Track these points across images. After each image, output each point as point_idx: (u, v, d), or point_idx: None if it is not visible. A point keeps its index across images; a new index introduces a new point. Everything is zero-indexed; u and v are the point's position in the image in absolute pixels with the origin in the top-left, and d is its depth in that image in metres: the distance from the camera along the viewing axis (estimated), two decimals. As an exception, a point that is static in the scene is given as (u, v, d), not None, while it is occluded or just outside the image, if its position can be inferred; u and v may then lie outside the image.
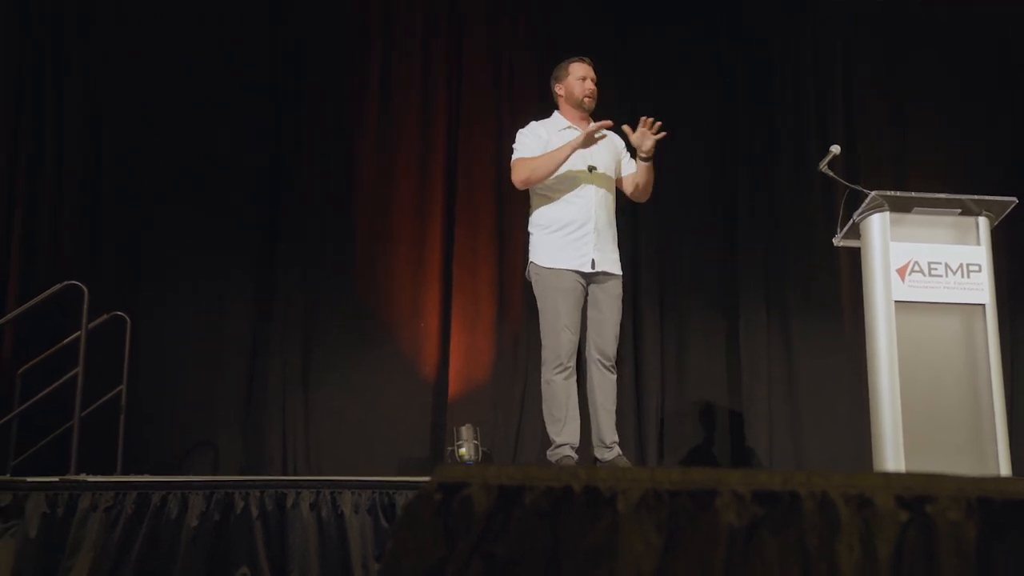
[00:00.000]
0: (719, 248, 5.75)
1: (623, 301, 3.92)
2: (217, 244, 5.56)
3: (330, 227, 5.71)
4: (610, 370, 3.83)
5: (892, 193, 3.48)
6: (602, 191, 3.83)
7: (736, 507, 1.32)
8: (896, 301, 3.37)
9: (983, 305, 3.41)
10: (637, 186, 3.94)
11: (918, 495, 1.25)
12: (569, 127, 3.91)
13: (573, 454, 3.78)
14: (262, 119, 5.72)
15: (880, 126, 5.86)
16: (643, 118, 3.77)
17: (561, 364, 3.74)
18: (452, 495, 1.35)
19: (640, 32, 5.95)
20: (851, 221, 3.62)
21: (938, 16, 5.90)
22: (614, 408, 3.85)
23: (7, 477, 3.55)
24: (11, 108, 5.39)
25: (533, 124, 3.97)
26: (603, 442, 3.81)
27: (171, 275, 5.49)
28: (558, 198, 3.81)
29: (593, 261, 3.77)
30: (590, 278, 3.81)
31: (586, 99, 3.90)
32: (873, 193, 3.46)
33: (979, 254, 3.46)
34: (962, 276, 3.41)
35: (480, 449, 4.98)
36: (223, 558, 3.14)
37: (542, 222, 3.85)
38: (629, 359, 5.58)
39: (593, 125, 3.72)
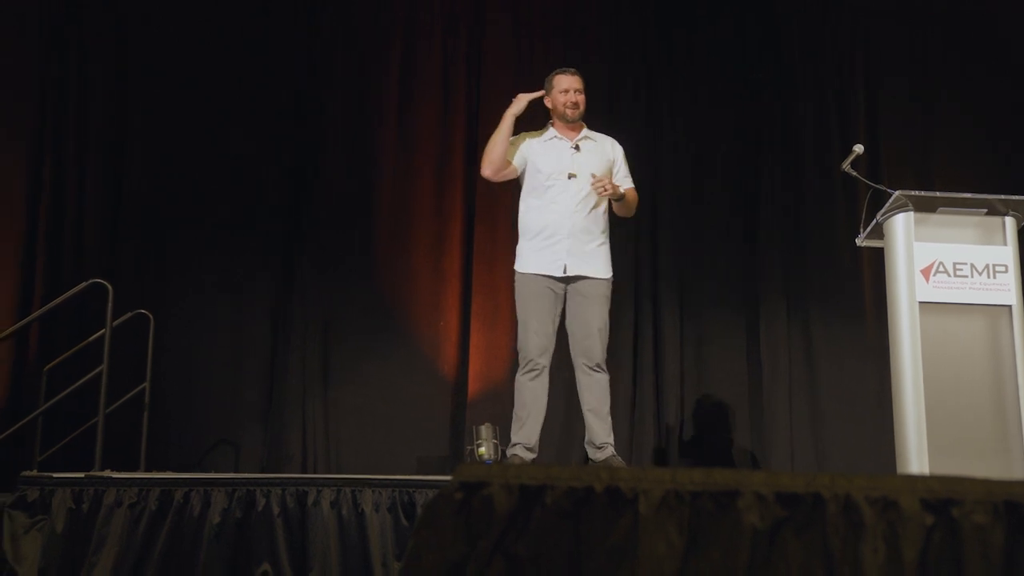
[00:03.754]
0: (739, 248, 5.72)
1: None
2: (238, 243, 5.61)
3: (350, 226, 5.74)
4: (595, 371, 3.85)
5: (917, 193, 3.45)
6: (581, 196, 3.87)
7: (759, 508, 1.31)
8: (920, 302, 3.33)
9: (1010, 306, 3.37)
10: (616, 212, 4.05)
11: (943, 498, 1.24)
12: (555, 137, 4.00)
13: (524, 453, 3.85)
14: (283, 120, 5.76)
15: (904, 125, 5.79)
16: (591, 182, 3.85)
17: (529, 365, 3.84)
18: (473, 494, 1.35)
19: (665, 27, 5.93)
20: (874, 221, 3.59)
21: (963, 13, 5.84)
22: (604, 409, 3.85)
23: (34, 473, 3.58)
24: (36, 108, 5.45)
25: (523, 135, 4.06)
26: (594, 443, 3.86)
27: (193, 273, 5.54)
28: (538, 205, 3.92)
29: (565, 266, 3.83)
30: (567, 283, 3.87)
31: (568, 110, 3.97)
32: (897, 193, 3.42)
33: (1006, 254, 3.41)
34: (988, 277, 3.37)
35: (499, 448, 4.98)
36: (245, 554, 3.16)
37: (522, 229, 3.99)
38: (648, 360, 5.57)
39: (521, 95, 3.93)
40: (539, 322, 3.82)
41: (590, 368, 3.84)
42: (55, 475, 3.36)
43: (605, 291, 3.90)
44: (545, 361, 3.84)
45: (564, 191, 3.87)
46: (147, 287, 5.32)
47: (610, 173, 3.99)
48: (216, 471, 4.93)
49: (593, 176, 3.85)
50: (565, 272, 3.84)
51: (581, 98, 3.99)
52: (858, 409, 5.37)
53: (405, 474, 3.52)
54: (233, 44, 5.76)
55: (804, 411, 5.47)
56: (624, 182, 4.03)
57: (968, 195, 3.47)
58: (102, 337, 4.11)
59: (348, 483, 3.26)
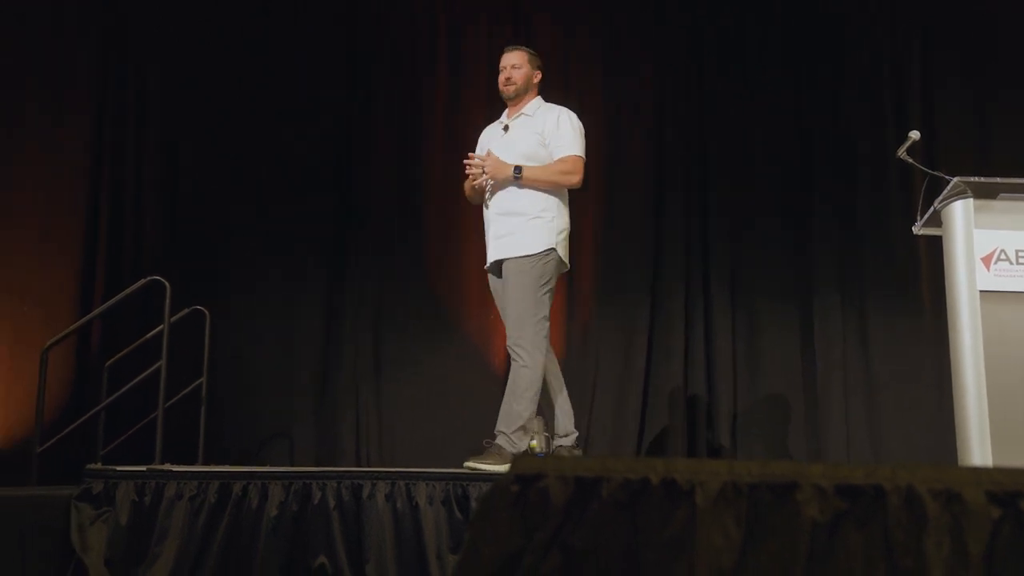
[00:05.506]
0: (792, 237, 5.64)
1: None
2: (290, 239, 5.69)
3: (400, 220, 5.79)
4: (513, 356, 3.67)
5: (976, 179, 3.36)
6: (496, 181, 3.75)
7: (818, 501, 1.30)
8: (981, 291, 3.25)
9: (1074, 294, 3.28)
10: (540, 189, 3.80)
11: (1010, 491, 1.21)
12: (499, 121, 3.97)
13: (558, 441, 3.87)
14: (333, 115, 5.84)
15: (961, 110, 5.65)
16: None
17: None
18: (529, 486, 1.36)
19: (711, 14, 5.86)
20: (931, 209, 3.51)
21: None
22: (510, 397, 3.67)
23: (99, 466, 3.68)
24: (95, 111, 5.58)
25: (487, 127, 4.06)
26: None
27: (246, 270, 5.65)
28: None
29: (489, 255, 3.80)
30: (498, 271, 3.80)
31: (501, 88, 3.90)
32: (955, 179, 3.34)
33: (1069, 241, 3.32)
34: (1052, 264, 3.28)
35: (550, 440, 4.98)
36: (302, 547, 3.21)
37: None
38: (700, 351, 5.53)
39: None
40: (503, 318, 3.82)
41: (511, 351, 3.69)
42: (118, 468, 3.44)
43: (519, 266, 3.66)
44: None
45: (478, 175, 3.79)
46: (203, 284, 5.42)
47: (540, 147, 3.76)
48: (271, 464, 5.01)
49: (480, 158, 3.75)
50: (487, 264, 3.81)
51: (516, 73, 3.85)
52: (916, 402, 5.26)
53: (456, 466, 3.53)
54: (283, 45, 5.86)
55: (860, 404, 5.38)
56: (558, 150, 3.75)
57: (1031, 180, 3.37)
58: (160, 333, 4.19)
59: (402, 476, 3.29)
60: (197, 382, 4.84)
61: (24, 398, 4.73)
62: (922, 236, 3.78)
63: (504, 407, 3.67)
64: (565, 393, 3.91)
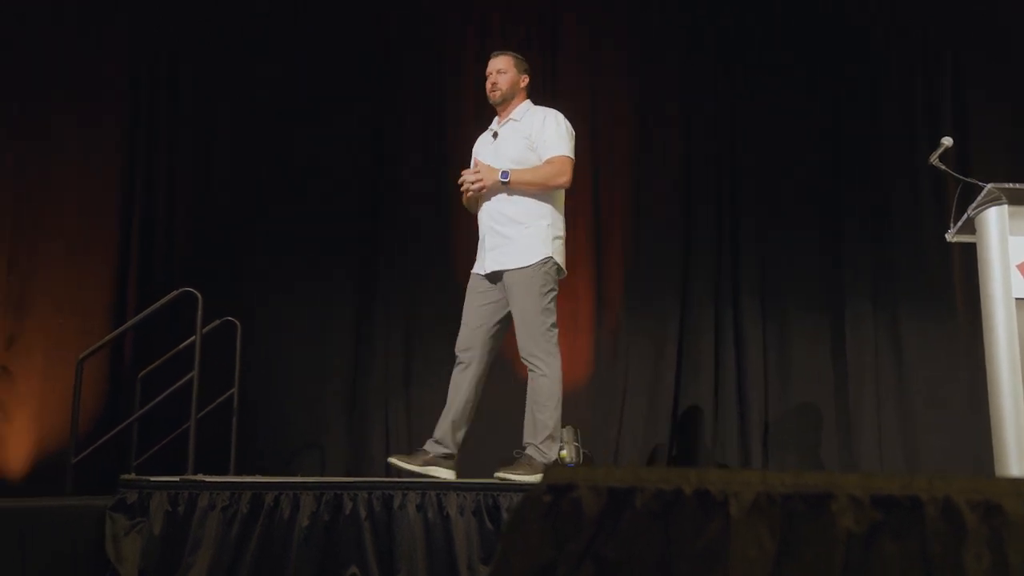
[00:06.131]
0: (823, 245, 5.59)
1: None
2: (320, 249, 5.73)
3: (429, 228, 5.80)
4: (529, 367, 3.66)
5: (1011, 185, 3.32)
6: (493, 190, 3.75)
7: (853, 512, 1.28)
8: (1017, 298, 3.21)
9: (1112, 302, 3.22)
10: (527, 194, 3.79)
11: (1051, 502, 1.19)
12: (489, 129, 3.99)
13: (431, 448, 3.73)
14: (361, 124, 5.87)
15: (994, 117, 5.58)
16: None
17: (457, 357, 3.80)
18: (561, 497, 1.35)
19: (740, 19, 5.84)
20: (965, 216, 3.47)
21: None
22: (533, 407, 3.66)
23: (132, 476, 3.72)
24: (127, 123, 5.65)
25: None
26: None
27: (276, 280, 5.68)
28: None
29: (485, 264, 3.78)
30: (495, 280, 3.77)
31: (489, 95, 3.91)
32: (989, 186, 3.31)
33: (1107, 247, 3.27)
34: (1089, 271, 3.23)
35: (581, 451, 4.97)
36: (333, 557, 3.22)
37: None
38: (731, 361, 5.50)
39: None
40: (468, 315, 3.79)
41: (526, 364, 3.69)
42: (152, 479, 3.48)
43: (523, 277, 3.65)
44: (465, 357, 3.77)
45: (469, 186, 3.79)
46: (234, 294, 5.47)
47: (528, 151, 3.76)
48: (302, 474, 5.04)
49: (473, 170, 3.76)
50: (484, 270, 3.78)
51: (502, 79, 3.85)
52: (950, 412, 5.19)
53: (487, 476, 3.53)
54: (313, 54, 5.90)
55: (893, 414, 5.32)
56: (545, 151, 3.73)
57: (1067, 187, 3.33)
58: (192, 344, 4.23)
59: (433, 487, 3.30)
60: (229, 392, 4.88)
61: (59, 409, 4.80)
62: (955, 243, 3.74)
63: (528, 419, 3.67)
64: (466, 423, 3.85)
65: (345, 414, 5.63)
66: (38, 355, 4.98)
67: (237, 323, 4.94)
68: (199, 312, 4.18)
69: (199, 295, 4.21)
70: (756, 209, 5.64)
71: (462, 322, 3.83)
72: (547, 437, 3.61)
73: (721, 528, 1.29)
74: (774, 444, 5.40)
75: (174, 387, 4.60)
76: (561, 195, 3.82)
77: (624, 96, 5.82)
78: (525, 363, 3.68)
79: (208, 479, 3.46)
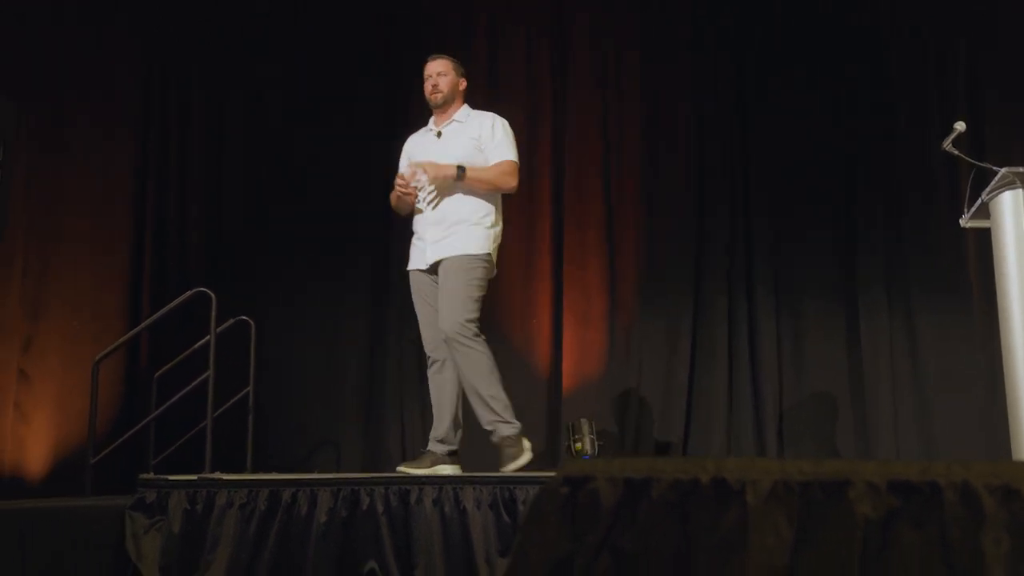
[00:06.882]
0: (836, 233, 5.57)
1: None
2: (334, 248, 5.74)
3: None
4: (456, 344, 3.67)
5: (1025, 169, 3.30)
6: (433, 187, 3.80)
7: (871, 498, 1.28)
8: (1032, 284, 3.19)
9: None
10: (476, 190, 3.85)
11: (1070, 485, 1.19)
12: (427, 129, 4.05)
13: (435, 448, 3.82)
14: (373, 123, 5.87)
15: (1008, 101, 5.53)
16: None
17: (429, 357, 3.87)
18: (578, 489, 1.36)
19: (750, 18, 5.82)
20: (979, 200, 3.45)
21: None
22: (476, 386, 3.67)
23: (151, 475, 3.74)
24: (138, 126, 5.67)
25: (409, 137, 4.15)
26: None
27: (289, 279, 5.70)
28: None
29: (426, 257, 3.82)
30: (436, 271, 3.82)
31: (429, 97, 3.97)
32: (1004, 170, 3.28)
33: (1124, 231, 3.24)
34: (1106, 255, 3.20)
35: (597, 443, 4.97)
36: (351, 553, 3.23)
37: None
38: (745, 352, 5.49)
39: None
40: (421, 317, 3.88)
41: (452, 342, 3.70)
42: (170, 478, 3.50)
43: (457, 264, 3.73)
44: (437, 355, 3.84)
45: (424, 184, 3.84)
46: (247, 294, 5.48)
47: (476, 151, 3.84)
48: (319, 471, 5.06)
49: (419, 166, 3.79)
50: (426, 265, 3.83)
51: (443, 80, 3.93)
52: (966, 399, 5.16)
53: (493, 470, 3.55)
54: (327, 55, 5.91)
55: (909, 403, 5.29)
56: (494, 156, 3.84)
57: (1083, 170, 3.30)
58: (207, 344, 4.25)
59: (449, 481, 3.31)
60: (244, 391, 4.90)
61: (76, 411, 4.82)
62: (969, 230, 3.71)
63: (476, 401, 3.68)
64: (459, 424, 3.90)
65: (360, 411, 5.64)
66: (54, 357, 5.01)
67: (251, 322, 4.96)
68: (213, 312, 4.20)
69: (213, 295, 4.23)
70: (768, 200, 5.62)
71: (420, 323, 3.91)
72: (505, 406, 3.67)
73: (739, 517, 1.29)
74: (789, 436, 5.39)
75: (190, 387, 4.61)
76: (500, 199, 3.92)
77: (635, 94, 5.80)
78: (451, 341, 3.67)
79: (226, 477, 3.49)
